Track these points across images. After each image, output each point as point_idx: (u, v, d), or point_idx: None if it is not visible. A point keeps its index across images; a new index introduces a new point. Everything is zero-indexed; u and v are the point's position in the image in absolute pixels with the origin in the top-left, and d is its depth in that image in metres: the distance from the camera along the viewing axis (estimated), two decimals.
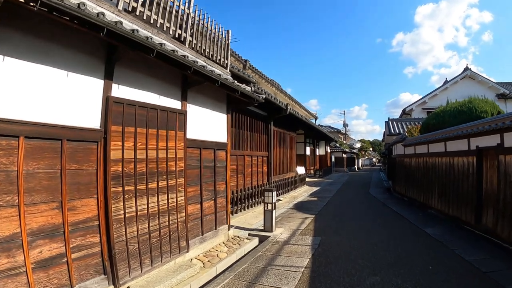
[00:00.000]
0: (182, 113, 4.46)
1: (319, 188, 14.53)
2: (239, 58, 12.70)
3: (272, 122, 11.74)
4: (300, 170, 21.88)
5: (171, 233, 4.10)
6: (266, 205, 6.20)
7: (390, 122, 17.00)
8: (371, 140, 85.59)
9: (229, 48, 6.05)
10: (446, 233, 5.81)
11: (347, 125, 61.87)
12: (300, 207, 9.18)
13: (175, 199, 4.23)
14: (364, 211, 8.27)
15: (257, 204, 9.47)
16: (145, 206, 3.70)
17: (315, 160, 24.18)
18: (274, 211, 6.18)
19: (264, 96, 6.34)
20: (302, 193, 12.78)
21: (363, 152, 67.51)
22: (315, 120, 29.18)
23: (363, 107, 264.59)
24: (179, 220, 4.28)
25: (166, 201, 4.06)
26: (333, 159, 32.40)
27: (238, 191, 8.11)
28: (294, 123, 14.71)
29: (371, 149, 78.19)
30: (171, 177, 4.19)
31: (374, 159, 76.58)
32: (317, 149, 27.50)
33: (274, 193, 6.26)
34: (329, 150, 32.26)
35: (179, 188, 4.34)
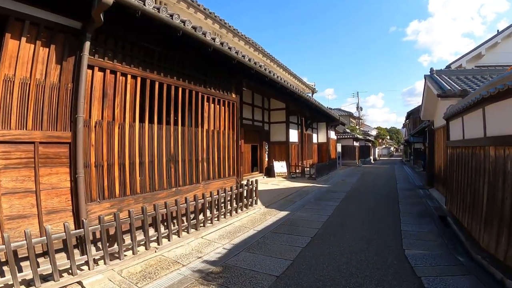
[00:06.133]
0: None
1: (275, 220, 6.32)
2: None
3: (86, 41, 3.70)
4: (278, 167, 13.69)
5: None
6: None
7: (436, 76, 8.51)
8: (387, 128, 76.63)
9: None
10: None
11: (361, 109, 52.69)
12: None
13: None
14: None
15: None
16: None
17: (304, 150, 15.88)
18: None
19: None
20: (188, 255, 4.65)
21: (380, 140, 58.58)
22: (312, 94, 20.74)
23: (379, 95, 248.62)
24: None
25: None
26: (339, 149, 23.94)
27: None
28: (226, 65, 6.55)
29: (388, 137, 69.39)
30: None
31: (392, 148, 68.24)
32: (314, 134, 19.19)
33: None
34: (334, 137, 23.83)
35: None
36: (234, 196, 6.17)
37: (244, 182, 7.00)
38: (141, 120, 4.94)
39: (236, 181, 7.04)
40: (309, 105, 13.07)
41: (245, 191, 6.58)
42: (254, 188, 6.98)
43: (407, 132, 43.42)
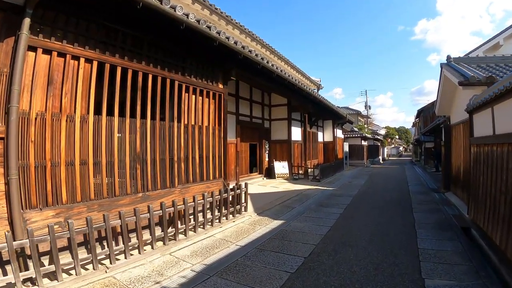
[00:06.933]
0: None
1: (265, 231, 5.38)
2: None
3: (25, 17, 2.81)
4: (279, 168, 12.71)
5: None
6: None
7: (455, 64, 7.45)
8: (396, 127, 75.06)
9: None
10: None
11: (370, 107, 51.19)
12: None
13: None
14: None
15: None
16: None
17: (308, 149, 14.85)
18: None
19: None
20: (145, 279, 3.75)
21: (389, 140, 57.01)
22: (318, 90, 19.71)
23: (388, 95, 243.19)
24: None
25: None
26: (346, 148, 22.82)
27: None
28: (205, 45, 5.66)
29: (397, 136, 67.85)
30: None
31: (401, 148, 66.75)
32: (319, 133, 18.18)
33: None
34: (341, 135, 22.75)
35: None
36: (216, 203, 5.25)
37: (233, 185, 6.09)
38: (98, 112, 4.08)
39: (224, 184, 6.13)
40: (311, 100, 12.07)
41: (231, 196, 5.65)
42: (243, 193, 6.04)
43: (417, 131, 41.84)
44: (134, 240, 3.93)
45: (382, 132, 49.74)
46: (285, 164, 12.95)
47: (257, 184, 10.87)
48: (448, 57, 7.82)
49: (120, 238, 3.87)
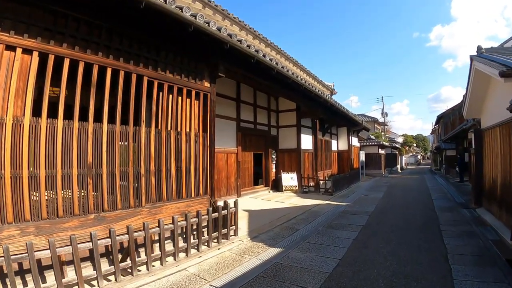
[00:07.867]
0: None
1: (254, 265, 4.26)
2: None
3: None
4: (287, 180, 11.58)
5: None
6: None
7: (488, 55, 6.29)
8: (413, 135, 72.71)
9: None
10: None
11: (387, 115, 49.34)
12: None
13: None
14: None
15: None
16: None
17: (320, 159, 13.65)
18: None
19: None
20: None
21: (407, 148, 54.67)
22: (331, 95, 18.60)
23: (404, 102, 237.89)
24: None
25: None
26: (362, 157, 21.42)
27: None
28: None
29: (414, 144, 65.38)
30: None
31: (419, 156, 64.25)
32: (333, 141, 17.04)
33: None
34: (357, 144, 21.45)
35: None
36: (192, 227, 4.28)
37: (221, 203, 5.13)
38: (37, 113, 3.26)
39: (210, 202, 5.17)
40: (322, 104, 11.01)
41: (215, 218, 4.67)
42: (232, 213, 5.05)
43: (436, 139, 39.65)
44: (74, 276, 3.03)
45: (400, 140, 47.65)
46: (293, 175, 11.86)
47: (261, 199, 9.85)
48: (479, 48, 6.67)
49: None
